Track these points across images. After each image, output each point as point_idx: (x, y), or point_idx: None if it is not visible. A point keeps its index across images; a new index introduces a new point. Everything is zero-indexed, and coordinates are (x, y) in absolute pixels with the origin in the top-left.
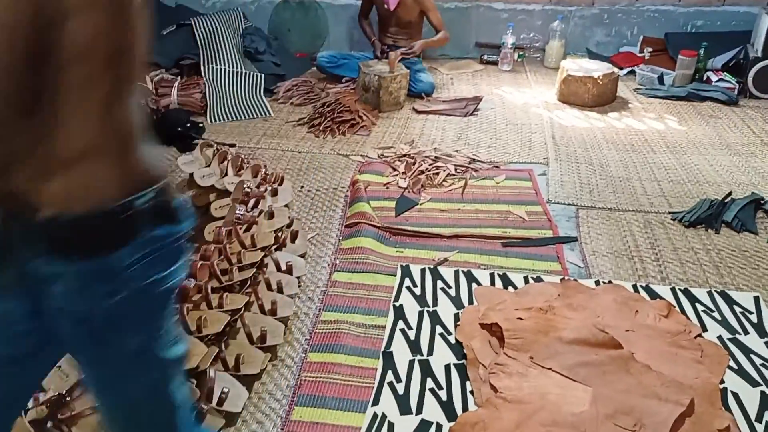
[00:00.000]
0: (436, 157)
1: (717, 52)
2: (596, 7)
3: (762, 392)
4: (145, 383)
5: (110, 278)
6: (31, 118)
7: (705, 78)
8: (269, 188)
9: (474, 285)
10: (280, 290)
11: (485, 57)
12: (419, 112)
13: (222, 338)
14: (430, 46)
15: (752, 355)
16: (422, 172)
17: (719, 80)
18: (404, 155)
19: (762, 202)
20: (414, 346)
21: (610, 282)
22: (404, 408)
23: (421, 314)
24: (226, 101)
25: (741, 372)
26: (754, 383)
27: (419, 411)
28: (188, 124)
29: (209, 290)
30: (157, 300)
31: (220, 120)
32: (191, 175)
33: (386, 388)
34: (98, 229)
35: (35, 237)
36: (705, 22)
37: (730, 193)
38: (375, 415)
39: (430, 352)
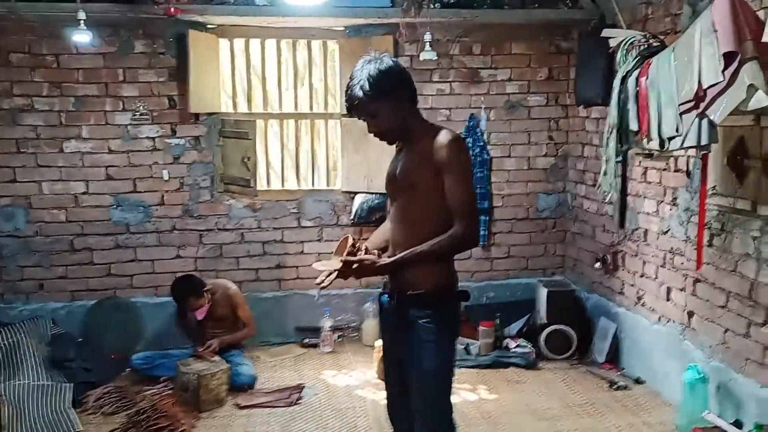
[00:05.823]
0: None
1: (511, 320)
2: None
3: None
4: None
5: (435, 320)
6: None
7: (504, 345)
8: None
9: None
10: None
11: (306, 340)
12: (242, 408)
13: None
14: (230, 342)
15: None
16: None
17: (517, 346)
18: None
19: None
20: None
21: None
22: None
23: None
24: (26, 420)
25: None
26: None
27: None
28: None
29: None
30: (446, 340)
31: None
32: None
33: None
34: (430, 298)
35: (410, 301)
36: (496, 294)
37: None
38: None
39: None
